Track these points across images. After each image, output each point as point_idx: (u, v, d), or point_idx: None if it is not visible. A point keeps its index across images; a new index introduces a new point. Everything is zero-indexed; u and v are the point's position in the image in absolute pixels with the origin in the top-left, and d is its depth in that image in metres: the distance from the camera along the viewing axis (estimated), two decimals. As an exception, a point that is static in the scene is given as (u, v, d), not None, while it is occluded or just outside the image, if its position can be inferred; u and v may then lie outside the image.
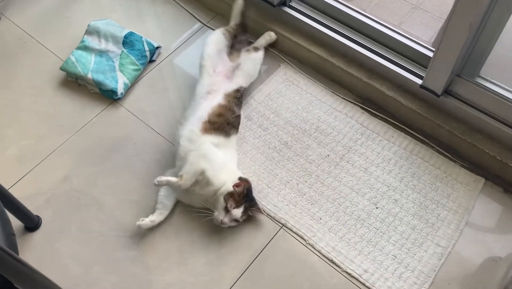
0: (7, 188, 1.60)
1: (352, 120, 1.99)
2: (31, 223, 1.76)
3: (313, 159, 1.90)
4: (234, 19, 2.15)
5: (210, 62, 1.95)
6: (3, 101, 2.09)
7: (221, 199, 1.68)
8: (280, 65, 2.17)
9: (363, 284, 1.63)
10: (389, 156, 1.90)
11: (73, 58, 2.10)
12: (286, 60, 2.18)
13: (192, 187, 1.71)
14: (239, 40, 2.08)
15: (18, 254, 1.16)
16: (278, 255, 1.71)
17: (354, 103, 2.04)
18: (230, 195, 1.67)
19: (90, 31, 2.18)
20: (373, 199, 1.80)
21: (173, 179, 1.68)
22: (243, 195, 1.68)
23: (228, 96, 1.88)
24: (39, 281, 1.11)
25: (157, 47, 2.21)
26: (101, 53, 2.14)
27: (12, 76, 2.17)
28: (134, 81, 2.14)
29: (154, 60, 2.21)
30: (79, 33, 2.22)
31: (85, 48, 2.14)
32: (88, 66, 2.08)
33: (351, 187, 1.83)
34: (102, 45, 2.15)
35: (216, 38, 2.03)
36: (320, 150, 1.92)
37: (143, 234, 1.75)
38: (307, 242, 1.72)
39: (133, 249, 1.73)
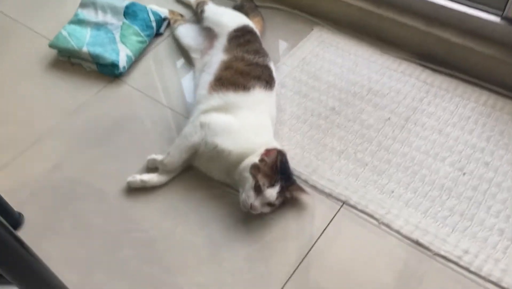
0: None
1: (411, 79, 1.61)
2: (11, 221, 1.32)
3: (370, 124, 1.50)
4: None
5: (193, 51, 1.74)
6: (-21, 87, 1.71)
7: (247, 175, 1.27)
8: (312, 29, 1.82)
9: (467, 269, 1.19)
10: (466, 113, 1.50)
11: (65, 33, 1.74)
12: (320, 23, 1.83)
13: (206, 159, 1.38)
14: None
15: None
16: (343, 240, 1.27)
17: (410, 61, 1.67)
18: (257, 169, 1.26)
19: (84, 4, 1.84)
20: (457, 163, 1.38)
21: (158, 157, 1.40)
22: (277, 167, 1.26)
23: (228, 49, 1.56)
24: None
25: (164, 19, 1.86)
26: (98, 26, 1.78)
27: (-8, 61, 1.81)
28: (139, 56, 1.77)
29: (161, 34, 1.85)
30: (72, 12, 1.87)
31: (79, 22, 1.79)
32: (83, 40, 1.72)
33: (425, 151, 1.42)
34: (100, 17, 1.80)
35: (180, 34, 1.81)
36: (378, 113, 1.52)
37: (159, 227, 1.32)
38: (380, 221, 1.28)
39: (147, 245, 1.29)
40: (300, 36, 1.80)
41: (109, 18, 1.80)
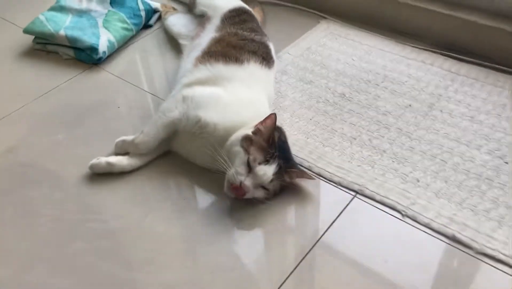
0: None
1: (433, 67, 1.39)
2: None
3: (388, 110, 1.26)
4: None
5: (183, 38, 1.52)
6: None
7: (237, 149, 1.02)
8: (319, 22, 1.63)
9: (523, 272, 0.90)
10: (501, 101, 1.26)
11: (42, 18, 1.55)
12: (327, 17, 1.64)
13: (187, 139, 1.12)
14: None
15: None
16: (356, 235, 0.99)
17: (432, 51, 1.46)
18: (249, 141, 1.01)
19: (68, -9, 1.67)
20: (496, 152, 1.13)
21: (129, 138, 1.15)
22: (274, 140, 1.01)
23: (221, 28, 1.37)
24: None
25: (156, 11, 1.69)
26: (81, 13, 1.60)
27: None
28: (124, 44, 1.57)
29: (151, 26, 1.67)
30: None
31: (60, 9, 1.61)
32: (62, 24, 1.53)
33: (455, 139, 1.16)
34: (83, 4, 1.63)
35: (170, 23, 1.60)
36: (396, 99, 1.29)
37: (124, 217, 1.04)
38: (404, 213, 1.01)
39: (105, 237, 1.01)
40: (305, 29, 1.60)
41: (93, 6, 1.62)
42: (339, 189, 1.08)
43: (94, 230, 1.03)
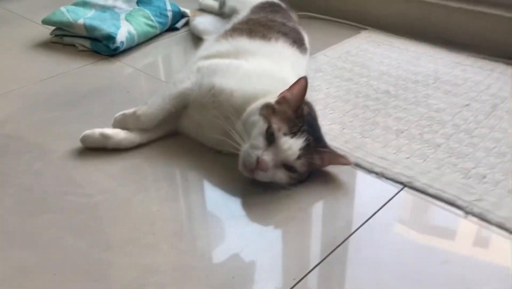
0: None
1: (494, 73, 1.19)
2: None
3: (441, 108, 1.05)
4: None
5: (209, 34, 1.35)
6: None
7: (255, 119, 0.82)
8: (360, 32, 1.47)
9: None
10: None
11: (63, 9, 1.46)
12: (369, 28, 1.49)
13: (197, 111, 0.94)
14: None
15: None
16: (402, 232, 0.76)
17: (490, 59, 1.26)
18: (271, 110, 0.82)
19: (95, -11, 1.59)
20: None
21: (130, 111, 0.97)
22: (302, 110, 0.82)
23: (249, 14, 1.24)
24: None
25: (184, 15, 1.58)
26: (104, 9, 1.50)
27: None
28: (145, 42, 1.44)
29: (178, 29, 1.55)
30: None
31: (83, 4, 1.52)
32: (82, 15, 1.43)
33: (529, 138, 0.94)
34: (109, 1, 1.53)
35: (197, 22, 1.49)
36: (451, 99, 1.09)
37: (110, 192, 0.84)
38: (469, 210, 0.77)
39: (82, 211, 0.80)
40: (344, 37, 1.44)
41: (119, 3, 1.53)
42: (381, 180, 0.85)
43: (72, 203, 0.82)
